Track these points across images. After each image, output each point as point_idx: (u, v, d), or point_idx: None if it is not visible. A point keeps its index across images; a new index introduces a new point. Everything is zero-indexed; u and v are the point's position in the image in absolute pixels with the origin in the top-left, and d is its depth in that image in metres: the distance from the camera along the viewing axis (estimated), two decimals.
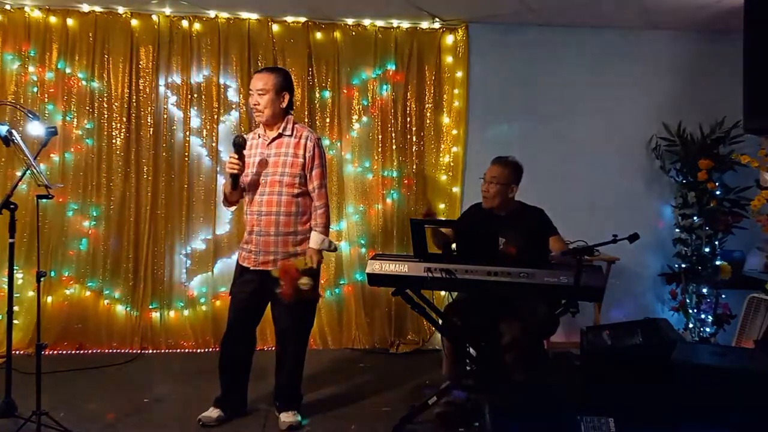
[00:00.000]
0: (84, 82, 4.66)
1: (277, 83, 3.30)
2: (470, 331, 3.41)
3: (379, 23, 4.86)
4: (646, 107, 5.00)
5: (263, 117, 3.31)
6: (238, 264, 3.43)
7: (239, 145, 3.25)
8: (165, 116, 4.74)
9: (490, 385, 3.36)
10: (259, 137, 3.39)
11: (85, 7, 4.62)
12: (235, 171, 3.24)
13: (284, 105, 3.33)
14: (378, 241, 4.87)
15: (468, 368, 3.48)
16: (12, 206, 3.09)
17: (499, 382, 3.35)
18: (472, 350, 3.45)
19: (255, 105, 3.30)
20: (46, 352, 4.11)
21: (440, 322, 3.58)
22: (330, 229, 3.43)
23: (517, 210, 3.61)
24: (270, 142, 3.35)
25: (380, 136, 4.88)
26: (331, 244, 3.37)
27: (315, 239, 3.30)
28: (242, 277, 3.38)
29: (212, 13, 4.73)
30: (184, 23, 4.72)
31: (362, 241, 4.90)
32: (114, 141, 4.69)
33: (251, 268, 3.33)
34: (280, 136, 3.34)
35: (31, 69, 4.60)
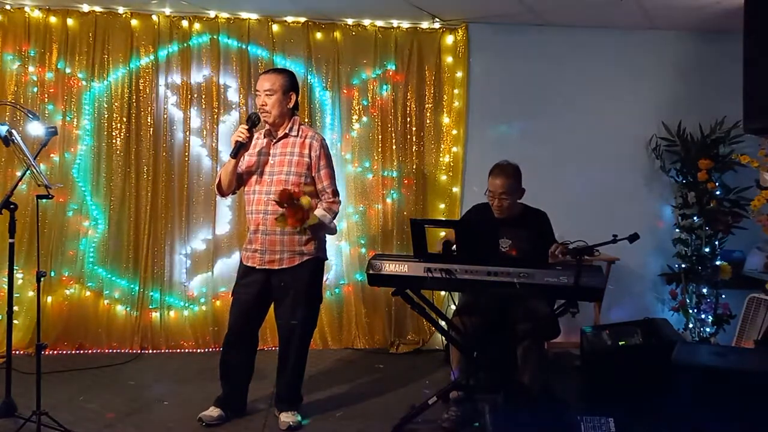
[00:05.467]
0: (84, 82, 4.66)
1: (284, 84, 3.32)
2: (477, 332, 3.41)
3: (379, 23, 4.86)
4: (646, 107, 4.99)
5: (270, 118, 3.31)
6: (242, 264, 3.42)
7: (252, 121, 3.28)
8: (165, 116, 4.73)
9: (495, 385, 3.37)
10: (264, 137, 3.40)
11: (85, 7, 4.62)
12: (242, 139, 3.25)
13: (291, 105, 3.35)
14: (378, 241, 4.87)
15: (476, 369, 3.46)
16: (12, 206, 3.09)
17: (504, 382, 3.36)
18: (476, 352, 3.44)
19: (262, 106, 3.30)
20: (46, 352, 4.12)
21: (444, 325, 3.58)
22: (335, 223, 3.42)
23: (520, 212, 3.62)
24: (276, 142, 3.36)
25: (380, 136, 4.87)
26: (332, 222, 3.37)
27: (318, 212, 3.29)
28: (246, 277, 3.38)
29: (212, 13, 4.73)
30: (184, 23, 4.72)
31: (362, 241, 4.90)
32: (114, 141, 4.69)
33: (257, 267, 3.32)
34: (285, 136, 3.35)
35: (31, 69, 4.60)
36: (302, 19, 4.80)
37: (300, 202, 3.12)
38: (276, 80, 3.31)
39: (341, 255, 4.87)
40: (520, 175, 3.58)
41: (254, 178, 3.36)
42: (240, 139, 3.26)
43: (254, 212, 3.35)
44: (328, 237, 3.54)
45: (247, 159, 3.37)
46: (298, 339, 3.37)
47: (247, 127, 3.27)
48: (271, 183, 3.31)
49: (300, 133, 3.36)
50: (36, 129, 3.37)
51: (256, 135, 3.39)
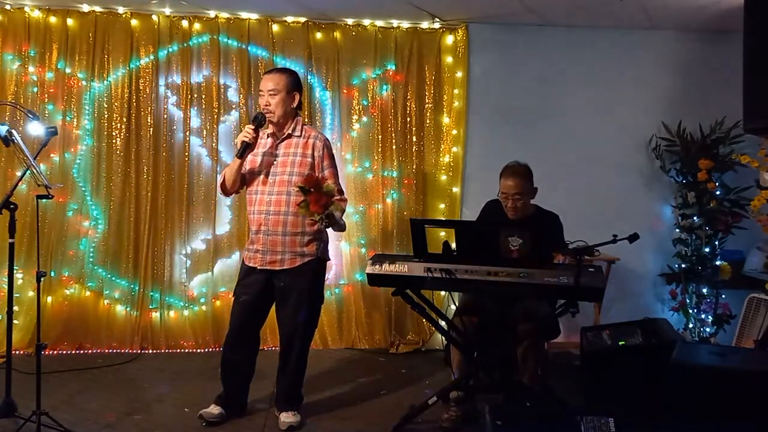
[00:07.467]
0: (84, 82, 4.66)
1: (288, 83, 3.32)
2: (477, 332, 3.40)
3: (379, 23, 4.86)
4: (646, 107, 4.99)
5: (275, 117, 3.31)
6: (244, 265, 3.42)
7: (258, 121, 3.28)
8: (165, 116, 4.73)
9: (495, 385, 3.37)
10: (267, 137, 3.39)
11: (85, 7, 4.62)
12: (248, 139, 3.24)
13: (294, 105, 3.36)
14: (378, 241, 4.87)
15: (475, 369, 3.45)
16: (12, 206, 3.09)
17: (504, 382, 3.36)
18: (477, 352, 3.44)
19: (266, 106, 3.29)
20: (46, 352, 4.12)
21: (444, 325, 3.57)
22: (344, 220, 3.42)
23: (533, 213, 3.61)
24: (279, 143, 3.36)
25: (380, 136, 4.87)
26: (341, 219, 3.34)
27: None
28: (248, 277, 3.37)
29: (212, 13, 4.73)
30: (184, 23, 4.72)
31: (362, 241, 4.90)
32: (114, 141, 4.68)
33: (258, 267, 3.32)
34: (289, 136, 3.35)
35: (31, 69, 4.60)
36: (302, 19, 4.80)
37: (325, 188, 3.11)
38: (280, 80, 3.31)
39: (341, 255, 4.87)
40: (532, 175, 3.58)
41: (257, 178, 3.36)
42: (246, 139, 3.25)
43: (256, 212, 3.34)
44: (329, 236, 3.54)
45: (251, 159, 3.37)
46: (300, 340, 3.37)
47: (253, 127, 3.26)
48: (274, 183, 3.30)
49: (303, 133, 3.37)
50: (36, 129, 3.37)
51: (260, 135, 3.39)
